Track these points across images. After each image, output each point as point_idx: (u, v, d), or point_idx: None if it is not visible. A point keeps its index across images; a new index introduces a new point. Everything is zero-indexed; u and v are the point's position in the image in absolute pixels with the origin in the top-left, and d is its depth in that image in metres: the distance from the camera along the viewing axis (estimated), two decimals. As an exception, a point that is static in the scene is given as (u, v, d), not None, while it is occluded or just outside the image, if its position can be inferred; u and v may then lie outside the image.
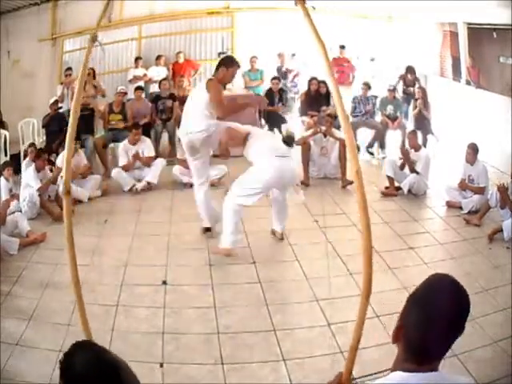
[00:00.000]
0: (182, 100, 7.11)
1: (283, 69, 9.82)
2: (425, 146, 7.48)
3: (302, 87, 9.40)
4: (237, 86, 9.57)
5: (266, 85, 9.26)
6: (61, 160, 6.51)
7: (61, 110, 8.09)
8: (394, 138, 8.33)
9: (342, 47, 9.66)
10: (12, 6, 8.97)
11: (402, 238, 5.38)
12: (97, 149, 7.65)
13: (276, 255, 5.12)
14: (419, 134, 7.50)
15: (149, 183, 6.95)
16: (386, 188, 6.76)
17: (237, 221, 4.91)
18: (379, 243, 4.88)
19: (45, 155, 6.27)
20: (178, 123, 6.71)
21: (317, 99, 8.63)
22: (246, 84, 9.46)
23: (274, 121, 8.59)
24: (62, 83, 8.78)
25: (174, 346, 3.63)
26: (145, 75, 9.37)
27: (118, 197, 6.81)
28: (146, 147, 7.17)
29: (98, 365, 1.21)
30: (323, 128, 7.23)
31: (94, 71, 8.72)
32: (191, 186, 5.51)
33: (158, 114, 8.27)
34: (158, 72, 9.40)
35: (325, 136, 7.24)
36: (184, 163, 6.24)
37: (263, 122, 8.79)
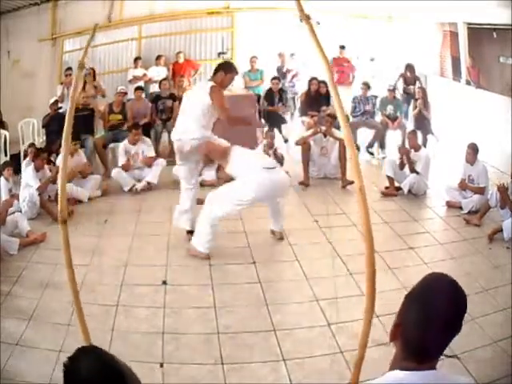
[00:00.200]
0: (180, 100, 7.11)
1: (283, 69, 9.83)
2: (425, 146, 7.48)
3: (301, 87, 9.41)
4: (237, 86, 9.58)
5: (265, 85, 9.26)
6: (61, 159, 6.52)
7: (61, 110, 8.09)
8: (394, 138, 8.33)
9: (342, 47, 9.66)
10: (12, 5, 8.97)
11: (402, 238, 5.38)
12: (97, 149, 7.65)
13: (276, 255, 5.13)
14: (419, 134, 7.50)
15: (149, 183, 6.95)
16: (386, 188, 6.76)
17: (214, 230, 4.92)
18: (379, 243, 4.88)
19: (44, 154, 6.27)
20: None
21: (317, 99, 8.63)
22: (246, 84, 9.47)
23: (274, 121, 8.59)
24: (62, 83, 8.78)
25: (174, 346, 3.63)
26: (144, 75, 9.37)
27: (118, 197, 6.81)
28: (146, 147, 7.18)
29: (103, 370, 1.21)
30: (323, 128, 7.23)
31: (94, 71, 8.73)
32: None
33: (158, 113, 8.27)
34: (158, 72, 9.40)
35: (325, 136, 7.24)
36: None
37: (263, 121, 8.80)
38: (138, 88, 8.46)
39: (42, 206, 6.03)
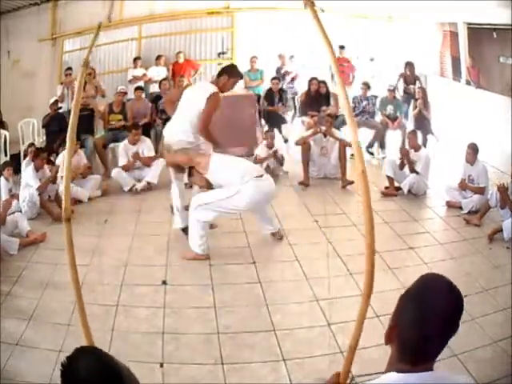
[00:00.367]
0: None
1: (282, 70, 9.83)
2: (425, 146, 7.48)
3: (300, 90, 9.40)
4: (237, 86, 9.58)
5: (265, 85, 9.26)
6: (61, 159, 6.52)
7: (61, 110, 8.10)
8: (393, 138, 8.33)
9: (342, 47, 9.65)
10: (12, 5, 8.97)
11: (402, 238, 5.38)
12: (97, 149, 7.66)
13: (276, 255, 5.12)
14: (419, 134, 7.50)
15: (149, 183, 6.95)
16: (386, 188, 6.76)
17: (206, 231, 4.93)
18: (379, 243, 4.85)
19: (43, 154, 6.26)
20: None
21: (317, 99, 8.63)
22: (246, 84, 9.46)
23: (274, 121, 8.59)
24: (62, 83, 8.78)
25: (174, 346, 3.63)
26: (144, 75, 9.37)
27: (118, 197, 6.82)
28: (146, 147, 7.18)
29: (101, 371, 1.21)
30: (323, 128, 7.23)
31: (94, 71, 8.73)
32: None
33: (158, 113, 8.27)
34: (158, 72, 9.40)
35: (325, 136, 7.24)
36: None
37: (263, 122, 8.80)
38: (138, 88, 8.47)
39: (42, 205, 6.03)
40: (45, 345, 3.57)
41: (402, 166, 6.69)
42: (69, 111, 8.23)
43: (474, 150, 6.12)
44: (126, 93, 8.36)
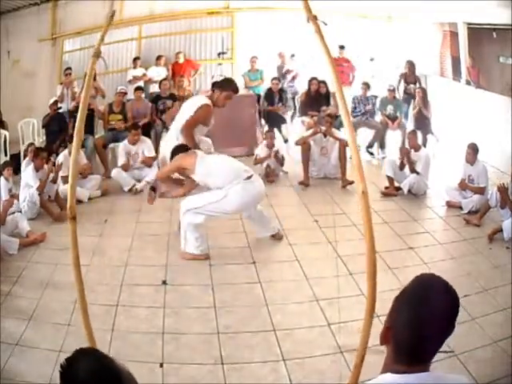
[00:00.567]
0: (182, 100, 7.12)
1: (284, 69, 9.83)
2: (425, 146, 7.48)
3: (300, 89, 9.40)
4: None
5: (265, 85, 9.25)
6: (61, 159, 6.52)
7: (60, 111, 8.10)
8: (393, 138, 8.33)
9: (342, 47, 9.65)
10: (12, 5, 8.96)
11: (402, 238, 5.38)
12: (97, 149, 7.65)
13: (276, 255, 5.12)
14: (419, 134, 7.50)
15: (149, 183, 6.94)
16: (386, 188, 6.76)
17: (201, 232, 4.91)
18: (379, 243, 4.86)
19: (43, 153, 6.25)
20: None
21: (317, 99, 8.63)
22: (246, 84, 9.46)
23: (274, 121, 8.59)
24: (61, 83, 8.78)
25: (174, 346, 3.63)
26: (144, 75, 9.37)
27: (118, 197, 6.82)
28: (146, 147, 7.18)
29: (101, 372, 1.21)
30: (323, 128, 7.23)
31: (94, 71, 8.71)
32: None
33: (158, 114, 8.27)
34: (158, 72, 9.40)
35: (325, 136, 7.24)
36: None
37: (263, 121, 8.81)
38: (138, 88, 8.46)
39: (42, 205, 6.02)
40: (45, 345, 3.57)
41: (402, 166, 6.69)
42: (68, 111, 8.25)
43: (474, 150, 6.12)
44: (125, 93, 8.36)
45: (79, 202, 6.47)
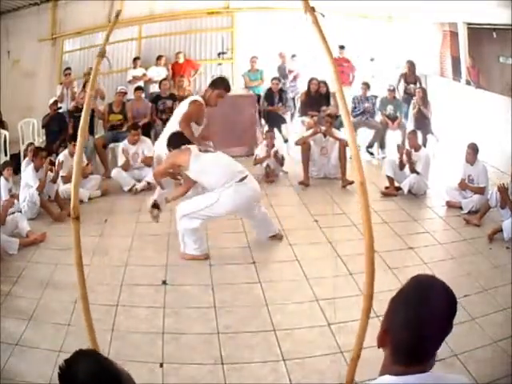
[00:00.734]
0: (182, 100, 7.11)
1: (285, 70, 9.83)
2: (425, 146, 7.48)
3: (301, 89, 9.40)
4: (237, 86, 9.59)
5: (266, 85, 9.25)
6: (61, 159, 6.52)
7: (60, 111, 8.10)
8: (393, 138, 8.33)
9: (342, 47, 9.65)
10: (12, 5, 8.97)
11: (402, 238, 5.38)
12: (97, 149, 7.66)
13: (276, 255, 5.12)
14: (419, 134, 7.50)
15: (149, 183, 6.94)
16: (386, 188, 6.76)
17: (199, 235, 4.90)
18: (379, 243, 4.86)
19: (42, 153, 6.25)
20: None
21: (317, 99, 8.63)
22: (246, 84, 9.47)
23: (274, 121, 8.59)
24: (61, 83, 8.78)
25: (174, 346, 3.63)
26: (144, 75, 9.37)
27: (118, 197, 6.82)
28: (146, 147, 7.17)
29: (100, 374, 1.21)
30: (323, 128, 7.23)
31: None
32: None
33: (158, 113, 8.27)
34: (158, 72, 9.40)
35: (325, 136, 7.24)
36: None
37: (263, 121, 8.81)
38: (138, 88, 8.46)
39: (42, 205, 6.02)
40: (45, 345, 3.57)
41: (402, 166, 6.69)
42: (68, 111, 8.25)
43: (474, 150, 6.12)
44: (125, 93, 8.36)
45: (79, 201, 6.47)
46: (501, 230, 5.22)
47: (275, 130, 8.15)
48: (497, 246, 5.14)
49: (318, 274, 4.54)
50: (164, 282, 4.52)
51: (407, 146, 6.82)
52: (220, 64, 10.09)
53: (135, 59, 9.49)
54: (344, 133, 7.35)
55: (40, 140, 8.19)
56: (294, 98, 9.47)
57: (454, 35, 9.32)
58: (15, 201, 5.76)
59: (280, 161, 7.36)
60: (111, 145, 7.85)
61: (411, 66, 9.23)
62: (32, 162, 6.20)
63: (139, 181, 6.98)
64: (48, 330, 3.78)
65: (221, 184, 4.64)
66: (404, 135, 7.83)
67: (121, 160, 7.04)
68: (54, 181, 6.18)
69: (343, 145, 6.94)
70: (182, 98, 7.85)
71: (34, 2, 9.17)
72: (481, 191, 5.99)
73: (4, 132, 7.82)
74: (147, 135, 7.67)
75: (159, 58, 9.59)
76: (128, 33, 9.98)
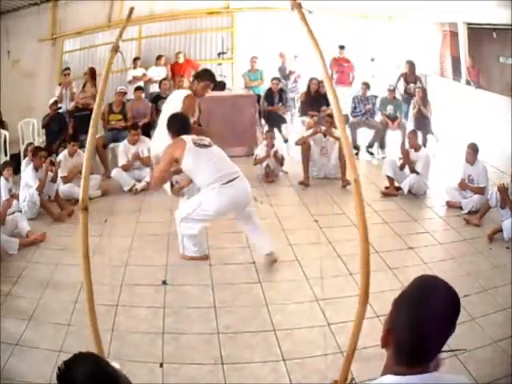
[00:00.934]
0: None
1: (286, 70, 9.82)
2: (425, 146, 7.48)
3: (302, 89, 9.40)
4: (237, 86, 9.60)
5: (266, 85, 9.26)
6: (62, 158, 6.52)
7: (60, 111, 8.10)
8: (393, 138, 8.33)
9: (342, 47, 9.66)
10: (12, 5, 8.97)
11: (402, 238, 5.38)
12: (97, 149, 7.65)
13: (276, 255, 5.11)
14: (419, 134, 7.51)
15: (149, 183, 6.95)
16: (386, 188, 6.77)
17: (198, 240, 4.84)
18: (379, 243, 4.89)
19: (41, 153, 6.25)
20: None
21: (317, 99, 8.63)
22: (246, 84, 9.48)
23: (274, 121, 8.60)
24: (60, 84, 8.78)
25: (174, 346, 3.63)
26: (144, 75, 9.37)
27: (118, 197, 6.81)
28: (146, 147, 7.16)
29: (98, 376, 1.21)
30: (323, 128, 7.23)
31: (94, 71, 8.72)
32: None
33: (158, 114, 8.25)
34: (158, 72, 9.40)
35: (325, 136, 7.24)
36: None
37: (263, 121, 8.81)
38: (138, 88, 8.47)
39: (42, 205, 6.03)
40: (45, 345, 3.57)
41: (402, 166, 6.69)
42: (68, 111, 8.25)
43: (473, 150, 6.12)
44: (125, 93, 8.36)
45: (79, 202, 6.48)
46: (501, 230, 5.22)
47: (275, 129, 8.16)
48: (497, 246, 5.14)
49: (317, 274, 4.53)
50: (164, 282, 4.52)
51: (407, 146, 6.83)
52: (220, 64, 10.10)
53: (135, 59, 9.49)
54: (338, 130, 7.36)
55: (40, 140, 8.19)
56: (294, 98, 9.48)
57: (454, 35, 9.32)
58: (15, 201, 5.76)
59: (280, 161, 7.36)
60: (111, 145, 7.85)
61: (411, 66, 9.23)
62: (32, 161, 6.20)
63: (139, 181, 6.98)
64: (48, 330, 3.77)
65: (209, 182, 4.47)
66: (404, 135, 7.83)
67: (121, 160, 7.04)
68: (54, 180, 6.18)
69: (343, 145, 6.93)
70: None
71: (34, 2, 9.18)
72: (481, 191, 5.99)
73: (4, 132, 7.82)
74: (147, 135, 7.66)
75: (159, 57, 9.60)
76: (128, 33, 9.97)
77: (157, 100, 8.40)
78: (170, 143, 4.66)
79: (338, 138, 7.10)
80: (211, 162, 4.52)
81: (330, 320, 3.87)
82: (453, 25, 9.33)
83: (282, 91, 8.90)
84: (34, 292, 4.31)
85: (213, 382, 3.28)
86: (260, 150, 7.40)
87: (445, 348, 1.35)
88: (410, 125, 8.30)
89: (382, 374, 1.35)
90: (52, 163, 6.33)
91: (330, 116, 7.33)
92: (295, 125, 8.98)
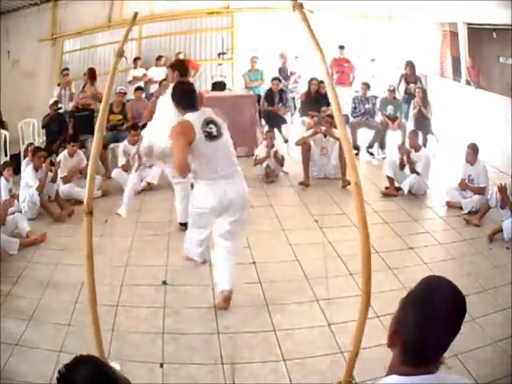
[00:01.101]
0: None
1: (287, 71, 9.82)
2: (425, 146, 7.48)
3: (302, 89, 9.40)
4: (237, 87, 9.60)
5: (266, 85, 9.25)
6: (62, 158, 6.52)
7: (60, 111, 8.10)
8: (394, 138, 8.33)
9: (342, 47, 9.66)
10: (12, 5, 8.97)
11: (402, 238, 5.38)
12: (97, 149, 7.64)
13: (276, 255, 5.12)
14: (419, 134, 7.50)
15: (149, 183, 6.95)
16: (386, 188, 6.77)
17: (202, 250, 4.49)
18: (379, 243, 4.89)
19: (41, 153, 6.26)
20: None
21: (317, 100, 8.63)
22: (246, 84, 9.47)
23: (274, 121, 8.59)
24: (58, 84, 8.78)
25: (174, 346, 3.63)
26: (144, 75, 9.37)
27: (118, 197, 6.79)
28: (146, 147, 7.17)
29: (98, 379, 1.21)
30: (323, 128, 7.23)
31: (94, 71, 8.72)
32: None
33: (158, 114, 8.26)
34: (158, 72, 9.39)
35: (325, 136, 7.25)
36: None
37: (263, 122, 8.81)
38: (138, 88, 8.46)
39: (42, 206, 6.03)
40: (45, 345, 3.57)
41: (402, 167, 6.70)
42: (68, 112, 8.25)
43: (474, 150, 6.12)
44: (125, 93, 8.36)
45: (79, 202, 6.47)
46: (501, 230, 5.23)
47: (275, 130, 8.15)
48: (497, 246, 5.14)
49: (317, 274, 4.53)
50: (164, 282, 4.52)
51: (407, 146, 6.83)
52: (220, 64, 10.10)
53: (135, 59, 9.49)
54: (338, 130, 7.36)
55: (40, 140, 8.18)
56: (294, 98, 9.47)
57: (454, 35, 9.32)
58: (15, 201, 5.76)
59: (280, 161, 7.36)
60: (111, 145, 7.84)
61: (411, 66, 9.23)
62: (32, 162, 6.20)
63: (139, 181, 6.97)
64: (48, 330, 3.78)
65: (205, 177, 3.99)
66: (404, 135, 7.83)
67: (121, 160, 7.04)
68: (54, 180, 6.18)
69: (343, 145, 6.94)
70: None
71: (34, 2, 9.18)
72: (481, 191, 6.00)
73: (4, 132, 7.82)
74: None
75: (159, 58, 9.59)
76: (128, 33, 9.98)
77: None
78: (176, 124, 3.99)
79: (338, 139, 7.10)
80: (214, 159, 3.96)
81: (330, 320, 3.87)
82: (453, 25, 9.33)
83: (282, 91, 8.89)
84: (34, 292, 4.31)
85: (213, 382, 3.29)
86: (260, 151, 7.41)
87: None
88: (410, 125, 8.30)
89: (387, 374, 1.36)
90: (52, 163, 6.32)
91: (330, 116, 7.34)
92: (295, 125, 8.98)
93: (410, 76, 9.24)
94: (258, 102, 8.76)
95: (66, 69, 8.92)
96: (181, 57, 9.60)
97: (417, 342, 1.31)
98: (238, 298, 4.25)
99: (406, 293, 1.40)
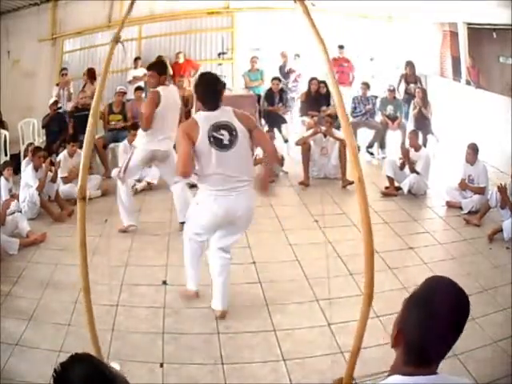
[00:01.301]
0: (182, 100, 7.11)
1: (286, 68, 9.83)
2: (425, 146, 7.48)
3: (302, 89, 9.40)
4: (237, 86, 9.60)
5: (266, 85, 9.25)
6: (62, 158, 6.52)
7: (59, 111, 8.10)
8: (394, 138, 8.33)
9: (341, 47, 9.66)
10: (12, 5, 8.96)
11: (402, 238, 5.38)
12: (97, 149, 7.65)
13: (276, 255, 5.12)
14: (419, 134, 7.50)
15: (149, 183, 6.95)
16: (386, 188, 6.77)
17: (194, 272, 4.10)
18: (379, 243, 4.88)
19: (40, 153, 6.25)
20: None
21: (317, 99, 8.63)
22: (246, 84, 9.47)
23: (274, 121, 8.59)
24: (57, 84, 8.78)
25: (174, 346, 3.63)
26: (144, 75, 9.34)
27: (118, 197, 6.80)
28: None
29: (94, 378, 1.20)
30: (323, 128, 7.23)
31: (93, 72, 8.72)
32: (192, 186, 5.51)
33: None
34: (158, 72, 9.38)
35: (325, 136, 7.24)
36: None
37: (263, 122, 8.80)
38: (138, 88, 8.46)
39: (42, 206, 6.02)
40: (45, 345, 3.57)
41: (402, 166, 6.70)
42: (68, 111, 8.25)
43: (474, 150, 6.12)
44: (125, 93, 8.36)
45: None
46: (501, 230, 5.23)
47: (275, 130, 8.15)
48: (497, 246, 5.14)
49: (317, 274, 4.53)
50: (164, 282, 4.52)
51: (407, 146, 6.83)
52: (220, 64, 10.09)
53: (136, 59, 9.49)
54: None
55: (40, 140, 8.18)
56: (294, 98, 9.47)
57: (454, 35, 9.32)
58: (15, 201, 5.76)
59: (280, 161, 7.35)
60: (111, 145, 7.84)
61: (411, 66, 9.23)
62: (32, 161, 6.20)
63: (139, 181, 6.97)
64: (48, 330, 3.78)
65: (207, 189, 3.66)
66: (404, 135, 7.83)
67: (121, 160, 7.03)
68: (54, 180, 6.18)
69: (343, 145, 6.94)
70: (182, 98, 7.87)
71: (34, 2, 9.17)
72: (481, 191, 6.00)
73: (4, 132, 7.81)
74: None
75: (159, 58, 9.58)
76: (128, 33, 9.97)
77: (157, 100, 8.39)
78: (183, 123, 3.85)
79: (338, 139, 7.11)
80: (220, 171, 3.53)
81: (330, 320, 3.87)
82: (453, 25, 9.33)
83: (282, 91, 8.89)
84: (34, 292, 4.31)
85: (213, 382, 3.29)
86: (260, 151, 7.40)
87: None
88: (410, 125, 8.29)
89: (390, 374, 1.36)
90: (52, 163, 6.32)
91: (330, 116, 7.35)
92: (295, 125, 8.98)
93: (410, 76, 9.24)
94: (258, 101, 8.76)
95: (65, 69, 8.92)
96: (180, 56, 9.63)
97: (420, 343, 1.32)
98: (238, 298, 4.25)
99: (409, 293, 1.40)
